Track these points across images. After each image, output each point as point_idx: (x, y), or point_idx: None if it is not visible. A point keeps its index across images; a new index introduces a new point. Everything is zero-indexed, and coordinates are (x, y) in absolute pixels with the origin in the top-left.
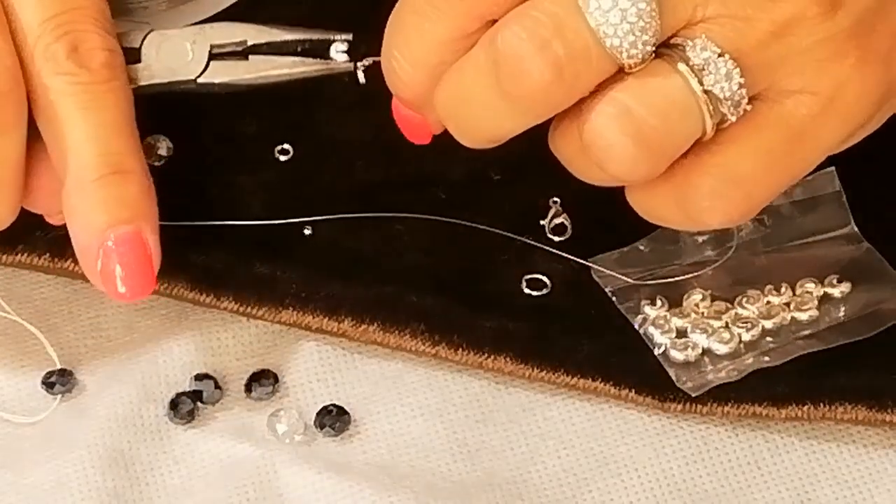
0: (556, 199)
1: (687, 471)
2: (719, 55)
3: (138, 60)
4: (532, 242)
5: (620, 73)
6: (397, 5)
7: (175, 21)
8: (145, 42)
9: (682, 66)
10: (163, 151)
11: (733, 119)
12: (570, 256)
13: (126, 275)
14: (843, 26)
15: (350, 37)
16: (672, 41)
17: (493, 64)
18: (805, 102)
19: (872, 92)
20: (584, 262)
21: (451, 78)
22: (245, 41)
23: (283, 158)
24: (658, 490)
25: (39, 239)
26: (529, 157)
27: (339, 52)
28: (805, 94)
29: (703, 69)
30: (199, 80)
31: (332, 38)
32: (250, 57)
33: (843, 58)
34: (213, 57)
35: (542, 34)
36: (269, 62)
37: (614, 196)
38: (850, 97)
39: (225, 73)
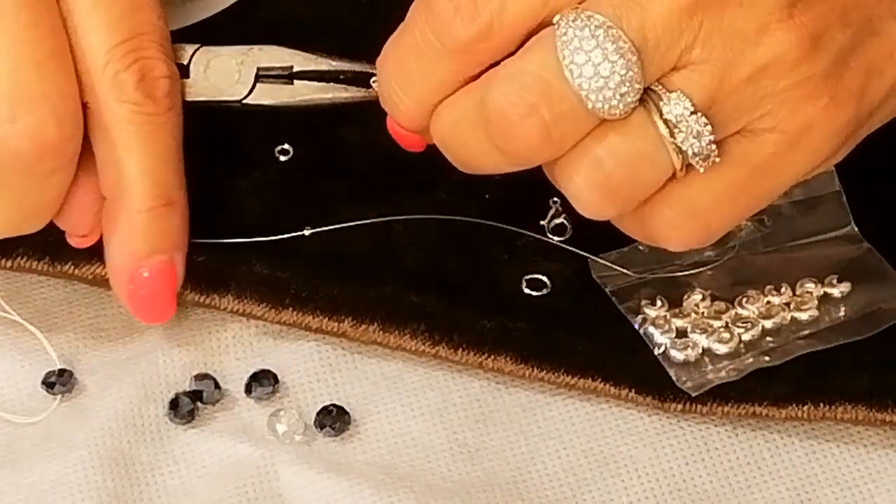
0: (556, 199)
1: (687, 471)
2: (692, 112)
3: (186, 76)
4: (537, 235)
5: (601, 122)
6: (396, 37)
7: (179, 19)
8: (194, 59)
9: (656, 119)
10: None
11: (701, 170)
12: (573, 249)
13: (152, 301)
14: (819, 68)
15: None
16: (654, 87)
17: (484, 120)
18: (773, 141)
19: (842, 130)
20: (588, 255)
21: (445, 116)
22: (291, 66)
23: (283, 158)
24: (658, 490)
25: (38, 243)
26: None
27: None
28: (774, 132)
29: (677, 125)
30: (245, 101)
31: (374, 70)
32: (295, 82)
33: (816, 99)
34: (258, 79)
35: (529, 99)
36: (313, 88)
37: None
38: (819, 136)
39: (270, 97)
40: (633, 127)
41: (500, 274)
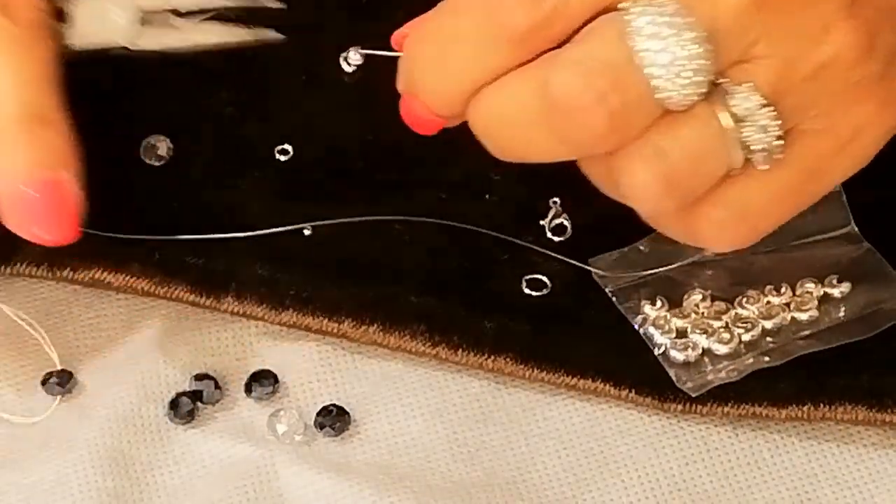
0: (556, 199)
1: (687, 471)
2: (761, 106)
3: (67, 22)
4: (533, 246)
5: (664, 113)
6: (437, 20)
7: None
8: (78, 3)
9: (722, 113)
10: (163, 151)
11: (764, 167)
12: (569, 259)
13: (46, 220)
14: (873, 69)
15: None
16: (718, 80)
17: (545, 106)
18: (825, 142)
19: (888, 133)
20: (582, 265)
21: (492, 102)
22: (176, 9)
23: (283, 158)
24: (658, 490)
25: (37, 249)
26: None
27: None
28: (827, 133)
29: (744, 119)
30: (131, 47)
31: (262, 4)
32: (180, 24)
33: (867, 101)
34: (144, 21)
35: (599, 86)
36: (199, 30)
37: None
38: (868, 139)
39: (156, 41)
40: (696, 119)
41: (500, 274)
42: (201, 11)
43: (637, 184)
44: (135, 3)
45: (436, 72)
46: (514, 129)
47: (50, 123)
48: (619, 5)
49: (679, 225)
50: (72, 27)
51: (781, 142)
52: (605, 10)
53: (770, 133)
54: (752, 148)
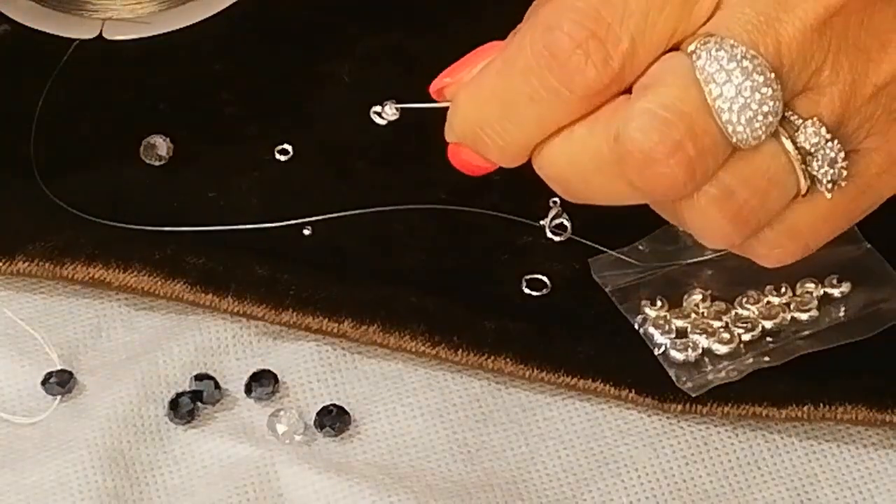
0: (555, 199)
1: (687, 471)
2: (828, 140)
3: None
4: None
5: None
6: (493, 80)
7: (173, 22)
8: None
9: (789, 147)
10: (163, 151)
11: (828, 196)
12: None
13: None
14: None
15: (377, 108)
16: (784, 113)
17: (619, 159)
18: (877, 161)
19: None
20: (598, 246)
21: (560, 152)
22: None
23: (283, 158)
24: (658, 490)
25: (38, 249)
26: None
27: None
28: (880, 152)
29: (812, 154)
30: None
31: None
32: None
33: None
34: None
35: (673, 137)
36: None
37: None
38: None
39: None
40: (763, 155)
41: (500, 274)
42: None
43: (707, 225)
44: None
45: (498, 130)
46: (586, 177)
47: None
48: (686, 47)
49: (732, 244)
50: None
51: (845, 172)
52: (670, 49)
53: (837, 165)
54: (818, 178)
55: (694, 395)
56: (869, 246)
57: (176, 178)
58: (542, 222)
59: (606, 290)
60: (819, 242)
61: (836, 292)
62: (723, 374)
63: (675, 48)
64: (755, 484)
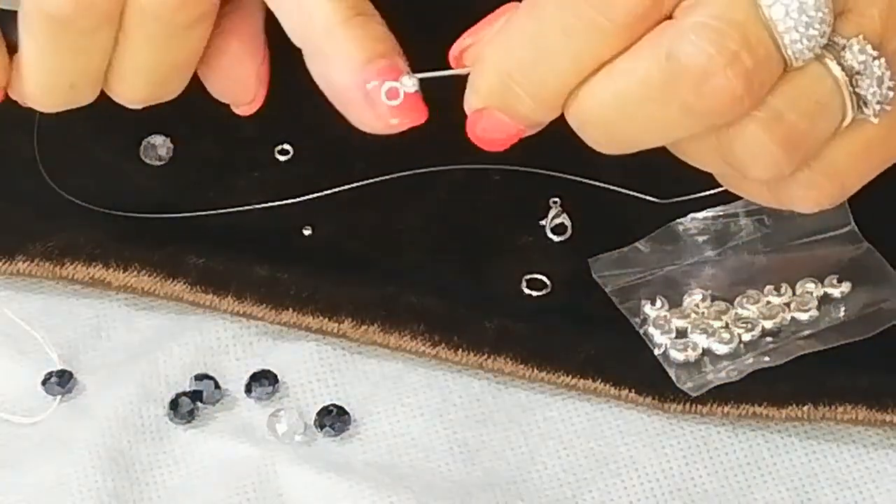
0: (556, 199)
1: (687, 471)
2: (875, 58)
3: None
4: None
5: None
6: (517, 22)
7: None
8: None
9: (835, 68)
10: (163, 151)
11: (874, 121)
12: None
13: (396, 107)
14: None
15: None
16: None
17: (673, 78)
18: None
19: None
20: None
21: (603, 90)
22: None
23: (282, 158)
24: (658, 490)
25: (38, 249)
26: (529, 158)
27: None
28: None
29: (860, 73)
30: None
31: None
32: None
33: None
34: None
35: (730, 47)
36: None
37: (614, 196)
38: None
39: None
40: (811, 77)
41: (500, 274)
42: None
43: (757, 151)
44: None
45: (531, 77)
46: (634, 110)
47: (370, 15)
48: None
49: (765, 188)
50: None
51: (892, 92)
52: None
53: (885, 84)
54: (867, 101)
55: (694, 395)
56: (869, 246)
57: (176, 178)
58: (542, 222)
59: (606, 290)
60: (857, 182)
61: (836, 292)
62: (723, 374)
63: None
64: (755, 484)
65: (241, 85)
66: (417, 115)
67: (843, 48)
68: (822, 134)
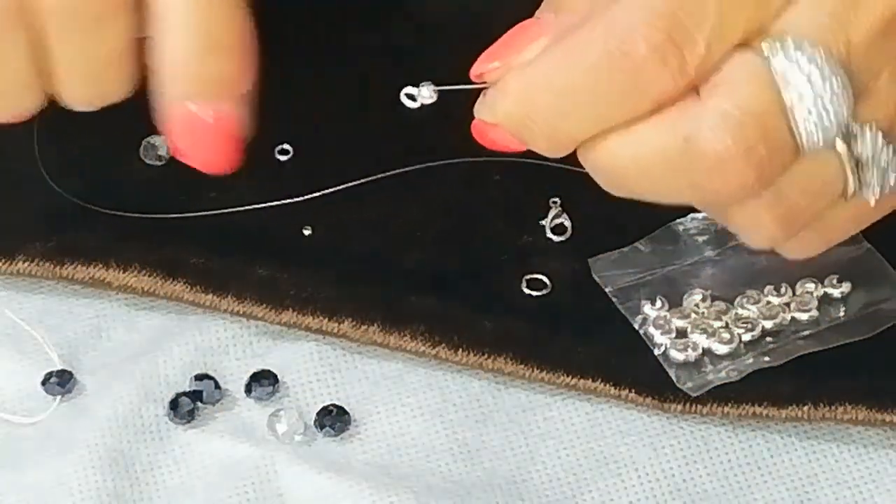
0: (556, 199)
1: (687, 471)
2: (883, 147)
3: None
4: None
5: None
6: (540, 73)
7: None
8: None
9: (845, 154)
10: (163, 151)
11: (872, 202)
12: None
13: (210, 149)
14: None
15: (414, 91)
16: None
17: (688, 159)
18: None
19: None
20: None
21: (621, 149)
22: None
23: (283, 158)
24: (658, 490)
25: (38, 249)
26: (529, 157)
27: None
28: None
29: (866, 161)
30: None
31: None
32: None
33: None
34: None
35: (747, 139)
36: None
37: (614, 196)
38: None
39: None
40: (819, 160)
41: (500, 274)
42: None
43: (755, 226)
44: None
45: (550, 122)
46: (647, 174)
47: (222, 50)
48: (758, 45)
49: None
50: None
51: (895, 180)
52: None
53: (889, 173)
54: (869, 184)
55: (694, 395)
56: (869, 246)
57: (176, 178)
58: (542, 222)
59: (606, 290)
60: (841, 238)
61: (836, 292)
62: (723, 374)
63: (744, 43)
64: (755, 484)
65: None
66: (217, 161)
67: (856, 135)
68: (820, 210)
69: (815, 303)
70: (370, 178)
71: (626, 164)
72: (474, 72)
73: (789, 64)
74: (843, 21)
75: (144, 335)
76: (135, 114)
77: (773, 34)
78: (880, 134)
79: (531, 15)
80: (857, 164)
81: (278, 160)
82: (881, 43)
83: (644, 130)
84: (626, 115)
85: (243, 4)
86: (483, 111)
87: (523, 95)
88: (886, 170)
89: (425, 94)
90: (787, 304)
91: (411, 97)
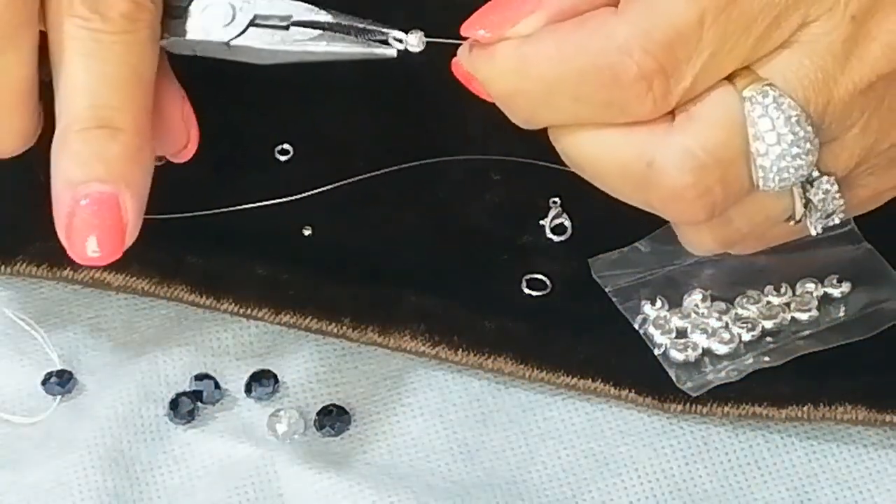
0: (556, 199)
1: (687, 471)
2: (835, 196)
3: (178, 16)
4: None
5: None
6: (537, 61)
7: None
8: (194, 2)
9: (798, 197)
10: None
11: (814, 234)
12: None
13: (95, 236)
14: None
15: (402, 35)
16: None
17: (647, 182)
18: (861, 196)
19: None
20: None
21: (589, 147)
22: (290, 16)
23: (283, 158)
24: (658, 490)
25: (38, 249)
26: (529, 157)
27: (386, 43)
28: (867, 189)
29: (815, 204)
30: (232, 43)
31: (383, 30)
32: (291, 28)
33: None
34: (252, 24)
35: (706, 182)
36: (307, 35)
37: (614, 196)
38: (890, 193)
39: (259, 40)
40: (770, 197)
41: (500, 274)
42: (314, 23)
43: (695, 242)
44: (253, 7)
45: (531, 107)
46: (606, 176)
47: (116, 131)
48: (740, 87)
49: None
50: (177, 23)
51: (838, 220)
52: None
53: (835, 213)
54: (812, 222)
55: (694, 395)
56: (869, 246)
57: (176, 178)
58: (542, 222)
59: (606, 290)
60: (777, 243)
61: (836, 292)
62: (723, 374)
63: (728, 77)
64: (755, 484)
65: (169, 133)
66: (111, 253)
67: (813, 182)
68: (761, 234)
69: (815, 303)
70: (370, 175)
71: (587, 161)
72: (465, 30)
73: (764, 116)
74: (830, 78)
75: (144, 335)
76: None
77: (759, 77)
78: (836, 185)
79: None
80: (807, 204)
81: (278, 160)
82: (860, 101)
83: (612, 140)
84: (601, 120)
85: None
86: (467, 62)
87: (511, 75)
88: (832, 215)
89: (412, 41)
90: (787, 304)
91: (398, 41)
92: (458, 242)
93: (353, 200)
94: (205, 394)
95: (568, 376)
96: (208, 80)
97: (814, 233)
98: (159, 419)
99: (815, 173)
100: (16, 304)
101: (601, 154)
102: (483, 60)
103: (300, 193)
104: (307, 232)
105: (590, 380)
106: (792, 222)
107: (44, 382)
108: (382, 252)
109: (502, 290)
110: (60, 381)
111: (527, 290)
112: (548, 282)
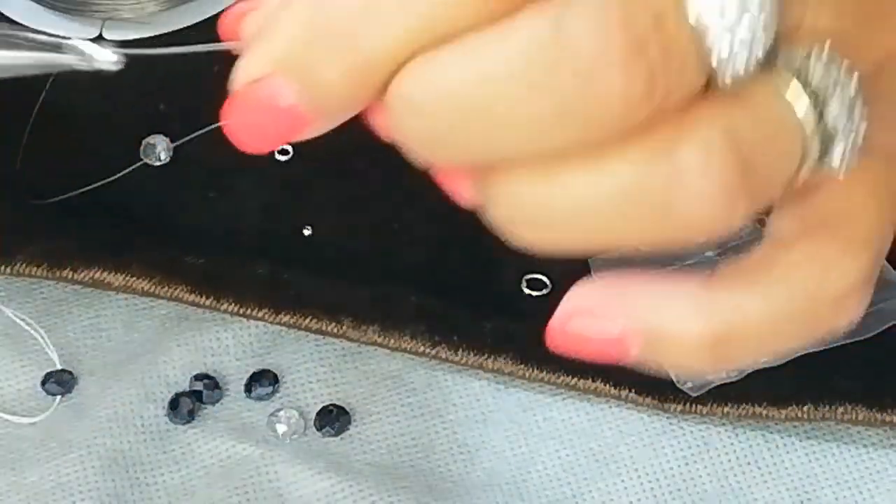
0: None
1: (687, 471)
2: (847, 73)
3: None
4: None
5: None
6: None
7: (173, 22)
8: None
9: (792, 88)
10: (163, 152)
11: (840, 175)
12: None
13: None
14: None
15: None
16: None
17: (558, 59)
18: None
19: None
20: None
21: (455, 68)
22: None
23: (283, 158)
24: (658, 490)
25: (38, 250)
26: None
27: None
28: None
29: (827, 94)
30: None
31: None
32: None
33: None
34: None
35: (635, 31)
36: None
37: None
38: None
39: None
40: (755, 104)
41: (500, 274)
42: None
43: (705, 181)
44: None
45: (352, 27)
46: (498, 103)
47: None
48: None
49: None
50: None
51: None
52: None
53: (856, 116)
54: (834, 139)
55: (694, 395)
56: None
57: (176, 179)
58: None
59: None
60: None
61: None
62: (723, 373)
63: None
64: (755, 484)
65: None
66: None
67: (805, 61)
68: (781, 177)
69: None
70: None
71: (468, 91)
72: (223, 21)
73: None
74: None
75: (144, 335)
76: (135, 114)
77: None
78: (836, 54)
79: None
80: (816, 103)
81: (278, 160)
82: None
83: (490, 38)
84: (463, 16)
85: None
86: (247, 64)
87: (309, 9)
88: (853, 109)
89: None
90: None
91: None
92: (458, 242)
93: (353, 200)
94: (205, 394)
95: (568, 376)
96: (208, 80)
97: (842, 174)
98: (159, 419)
99: (801, 51)
100: (16, 304)
101: (482, 69)
102: (266, 36)
103: (300, 194)
104: (307, 232)
105: (590, 380)
106: (811, 155)
107: (44, 382)
108: (382, 252)
109: (502, 289)
110: (60, 381)
111: (527, 290)
112: (548, 282)
